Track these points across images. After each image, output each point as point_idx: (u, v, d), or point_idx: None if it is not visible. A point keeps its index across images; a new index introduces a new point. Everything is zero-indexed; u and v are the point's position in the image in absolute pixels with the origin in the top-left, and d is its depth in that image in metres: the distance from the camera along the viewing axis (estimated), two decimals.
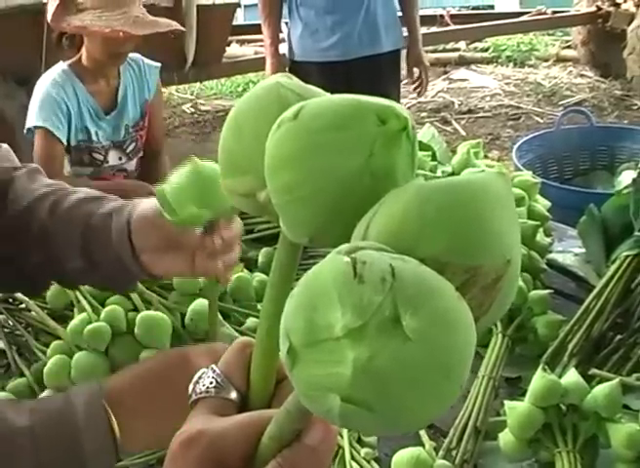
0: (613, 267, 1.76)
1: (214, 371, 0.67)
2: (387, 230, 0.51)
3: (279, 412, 0.59)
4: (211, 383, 0.66)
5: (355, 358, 0.45)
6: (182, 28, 3.14)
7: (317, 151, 0.54)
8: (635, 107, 7.33)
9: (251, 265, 2.08)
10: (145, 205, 1.26)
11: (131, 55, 3.06)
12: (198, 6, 6.05)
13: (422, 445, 1.37)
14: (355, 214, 0.54)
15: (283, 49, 4.12)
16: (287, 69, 4.03)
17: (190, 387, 0.68)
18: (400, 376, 0.45)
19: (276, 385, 0.68)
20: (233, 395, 0.66)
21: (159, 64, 3.19)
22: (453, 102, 7.62)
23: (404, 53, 4.12)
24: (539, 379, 1.36)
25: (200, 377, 0.68)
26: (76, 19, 2.78)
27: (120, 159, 3.08)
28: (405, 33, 4.08)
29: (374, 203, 0.54)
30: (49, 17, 2.86)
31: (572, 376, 1.39)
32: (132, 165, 3.13)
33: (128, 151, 3.09)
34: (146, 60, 3.15)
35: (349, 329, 0.45)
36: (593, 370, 1.50)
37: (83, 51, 2.94)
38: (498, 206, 0.52)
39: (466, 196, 0.52)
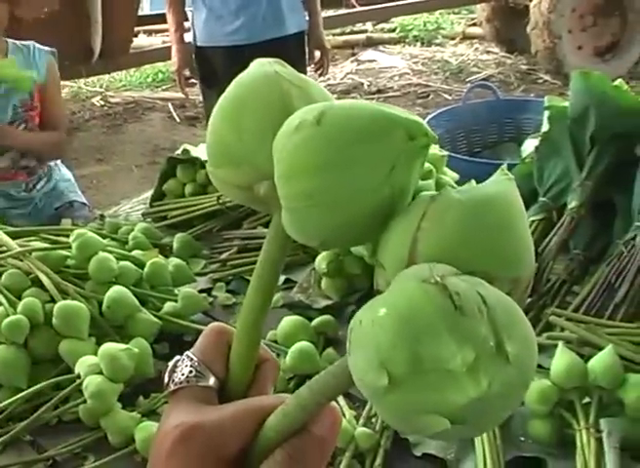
0: None
1: (190, 359, 0.65)
2: (442, 247, 0.53)
3: (290, 408, 0.59)
4: (190, 372, 0.64)
5: (478, 389, 0.47)
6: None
7: (344, 163, 0.54)
8: (541, 81, 7.47)
9: (166, 251, 2.08)
10: None
11: (25, 41, 3.12)
12: None
13: (343, 414, 1.40)
14: (370, 224, 0.56)
15: (189, 37, 4.11)
16: (193, 56, 4.02)
17: (166, 377, 0.66)
18: (503, 397, 0.49)
19: (255, 371, 0.67)
20: (212, 381, 0.65)
21: (52, 49, 3.18)
22: (362, 83, 7.67)
23: None
24: None
25: (176, 366, 0.66)
26: None
27: None
28: (307, 17, 4.10)
29: (389, 214, 0.56)
30: None
31: None
32: None
33: None
34: (38, 45, 3.16)
35: (468, 363, 0.47)
36: None
37: None
38: (522, 216, 0.56)
39: (506, 211, 0.55)
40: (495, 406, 0.49)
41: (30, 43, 3.14)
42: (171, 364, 0.67)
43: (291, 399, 0.59)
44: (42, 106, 3.13)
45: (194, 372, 0.64)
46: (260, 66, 0.63)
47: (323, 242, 0.58)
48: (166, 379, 0.66)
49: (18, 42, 3.11)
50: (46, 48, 3.16)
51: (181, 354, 0.67)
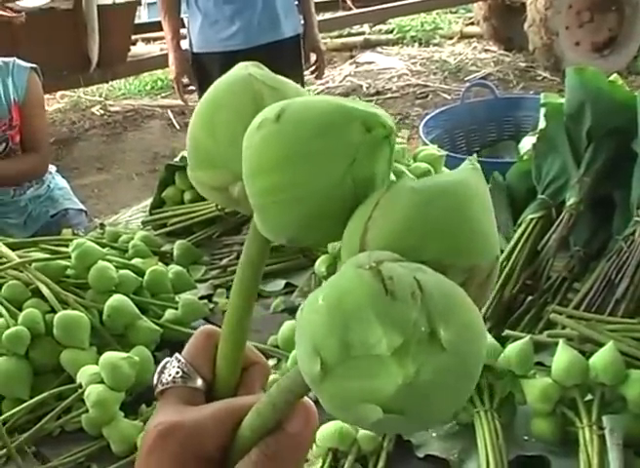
0: (519, 230, 1.80)
1: (179, 361, 0.66)
2: (390, 236, 0.53)
3: (262, 406, 0.60)
4: (177, 373, 0.65)
5: (404, 374, 0.47)
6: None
7: (302, 157, 0.55)
8: (539, 78, 7.46)
9: (166, 259, 2.08)
10: None
11: (6, 58, 3.03)
12: (98, 6, 6.00)
13: None
14: (335, 217, 0.56)
15: (186, 44, 4.11)
16: (190, 62, 4.02)
17: (155, 377, 0.67)
18: (438, 385, 0.48)
19: (241, 373, 0.68)
20: (199, 383, 0.66)
21: (33, 65, 3.08)
22: (361, 86, 7.66)
23: None
24: None
25: (164, 367, 0.67)
26: None
27: None
28: (302, 21, 4.10)
29: (354, 206, 0.55)
30: None
31: None
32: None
33: None
34: (19, 62, 3.06)
35: (394, 348, 0.47)
36: (507, 332, 1.54)
37: None
38: (483, 204, 0.55)
39: (460, 198, 0.54)
40: (433, 395, 0.48)
41: (11, 59, 3.04)
42: (160, 366, 0.68)
43: (263, 397, 0.60)
44: (22, 124, 3.04)
45: (181, 373, 0.66)
46: (236, 70, 0.64)
47: (291, 238, 0.58)
48: (155, 381, 0.67)
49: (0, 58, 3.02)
50: (27, 64, 3.05)
51: None
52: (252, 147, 0.57)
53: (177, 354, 0.67)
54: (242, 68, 0.64)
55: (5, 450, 1.48)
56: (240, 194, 0.60)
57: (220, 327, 0.67)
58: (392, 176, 0.58)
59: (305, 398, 0.60)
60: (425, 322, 0.47)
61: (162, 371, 0.67)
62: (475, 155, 3.37)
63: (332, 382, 0.49)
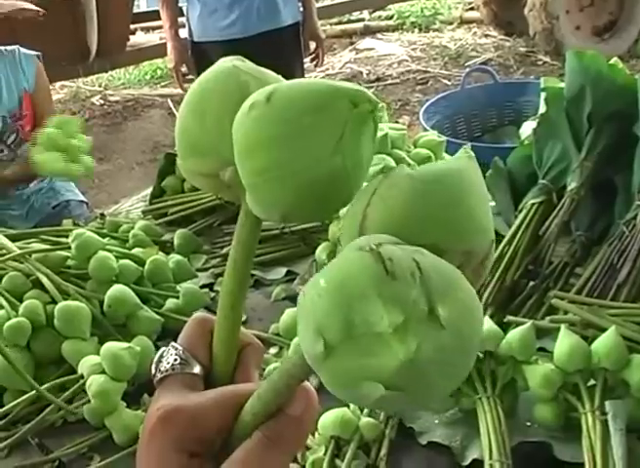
0: (520, 216, 1.79)
1: (175, 349, 0.67)
2: (388, 221, 0.55)
3: (263, 391, 0.61)
4: (175, 360, 0.66)
5: (405, 350, 0.48)
6: (34, 9, 3.05)
7: (292, 135, 0.57)
8: (540, 63, 7.44)
9: (166, 248, 2.08)
10: None
11: (8, 47, 3.01)
12: None
13: (347, 405, 1.39)
14: (326, 193, 0.58)
15: (185, 33, 4.10)
16: (189, 51, 4.01)
17: (153, 367, 0.68)
18: (438, 363, 0.49)
19: (238, 358, 0.69)
20: (197, 369, 0.67)
21: (37, 53, 3.08)
22: (361, 72, 7.66)
23: None
24: None
25: (162, 356, 0.68)
26: None
27: (2, 151, 3.01)
28: (301, 8, 4.09)
29: (343, 182, 0.58)
30: None
31: (486, 324, 1.41)
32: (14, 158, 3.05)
33: (9, 143, 3.00)
34: (23, 50, 3.05)
35: (395, 325, 0.48)
36: (508, 318, 1.53)
37: None
38: (474, 189, 0.58)
39: (456, 186, 0.57)
40: (431, 372, 0.49)
41: (14, 47, 3.03)
42: (157, 355, 0.69)
43: (264, 382, 0.61)
44: (33, 112, 3.05)
45: (179, 360, 0.67)
46: (221, 63, 0.67)
47: (284, 215, 0.60)
48: (153, 370, 0.68)
49: (2, 47, 3.01)
50: (31, 52, 3.06)
51: None
52: (243, 129, 0.59)
53: (172, 342, 0.69)
54: (227, 62, 0.66)
55: (8, 441, 1.48)
56: (230, 179, 0.62)
57: None
58: (392, 163, 0.60)
59: (306, 382, 0.61)
60: (425, 300, 0.49)
61: (160, 361, 0.68)
62: (475, 141, 3.38)
63: (334, 361, 0.50)
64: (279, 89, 0.59)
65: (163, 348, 0.69)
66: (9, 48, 3.02)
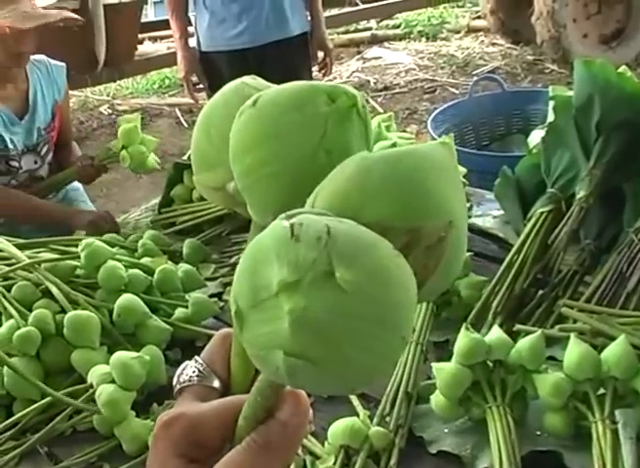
0: (529, 224, 1.79)
1: (196, 362, 0.69)
2: (332, 199, 0.54)
3: (252, 395, 0.61)
4: (194, 372, 0.68)
5: (290, 309, 0.47)
6: (75, 17, 3.06)
7: (276, 133, 0.58)
8: (547, 71, 7.44)
9: (175, 257, 2.08)
10: None
11: (36, 57, 3.00)
12: (104, 5, 5.99)
13: (357, 414, 1.39)
14: (314, 190, 0.57)
15: (194, 43, 4.11)
16: (198, 61, 4.02)
17: (175, 379, 0.69)
18: (337, 327, 0.47)
19: (256, 371, 0.68)
20: (216, 383, 0.67)
21: (64, 64, 3.11)
22: (368, 81, 7.66)
23: None
24: (462, 339, 1.38)
25: (184, 369, 0.69)
26: None
27: (35, 163, 3.01)
28: (309, 18, 4.09)
29: None
30: None
31: (495, 333, 1.41)
32: (45, 170, 3.07)
33: (42, 154, 3.02)
34: (52, 61, 3.07)
35: (285, 283, 0.47)
36: (518, 326, 1.53)
37: None
38: (440, 173, 0.55)
39: (408, 164, 0.54)
40: (332, 338, 0.47)
41: (43, 58, 3.04)
42: (180, 368, 0.70)
43: (253, 388, 0.61)
44: (60, 123, 3.08)
45: (197, 373, 0.68)
46: (234, 81, 0.68)
47: (276, 216, 0.58)
48: (174, 382, 0.69)
49: (31, 58, 2.97)
50: (59, 63, 3.08)
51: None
52: (232, 135, 0.60)
53: (196, 356, 0.70)
54: (239, 79, 0.67)
55: (18, 451, 1.48)
56: (235, 190, 0.62)
57: (229, 325, 0.68)
58: None
59: None
60: (325, 263, 0.47)
61: (181, 373, 0.69)
62: (483, 150, 3.38)
63: (247, 331, 0.50)
64: (265, 93, 0.60)
65: (187, 362, 0.70)
66: (37, 58, 3.02)
